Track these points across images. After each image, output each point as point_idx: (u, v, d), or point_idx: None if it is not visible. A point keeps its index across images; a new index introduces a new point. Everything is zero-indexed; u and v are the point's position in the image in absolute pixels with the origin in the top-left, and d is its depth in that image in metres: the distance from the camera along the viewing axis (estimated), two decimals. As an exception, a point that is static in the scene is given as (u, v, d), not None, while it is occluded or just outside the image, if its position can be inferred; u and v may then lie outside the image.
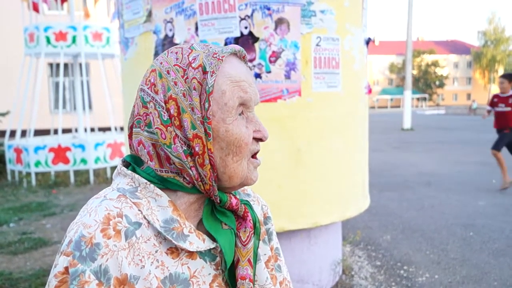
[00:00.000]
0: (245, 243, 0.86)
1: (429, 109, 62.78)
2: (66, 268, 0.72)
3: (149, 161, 0.83)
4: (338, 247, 3.85)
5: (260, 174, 3.05)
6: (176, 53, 0.83)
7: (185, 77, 0.80)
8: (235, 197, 0.87)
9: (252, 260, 0.86)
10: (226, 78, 0.81)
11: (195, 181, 0.81)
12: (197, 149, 0.79)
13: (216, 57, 0.81)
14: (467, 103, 62.78)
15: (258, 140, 0.86)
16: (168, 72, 0.81)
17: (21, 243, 5.04)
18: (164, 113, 0.80)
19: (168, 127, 0.80)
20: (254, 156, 0.87)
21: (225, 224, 0.86)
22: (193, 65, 0.80)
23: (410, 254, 4.53)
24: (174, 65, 0.81)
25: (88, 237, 0.73)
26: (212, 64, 0.80)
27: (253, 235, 0.87)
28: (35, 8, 9.50)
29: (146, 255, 0.77)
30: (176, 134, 0.80)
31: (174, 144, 0.79)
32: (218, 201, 0.84)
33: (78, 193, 7.89)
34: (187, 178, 0.82)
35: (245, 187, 1.05)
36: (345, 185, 3.30)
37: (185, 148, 0.80)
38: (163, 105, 0.80)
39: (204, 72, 0.79)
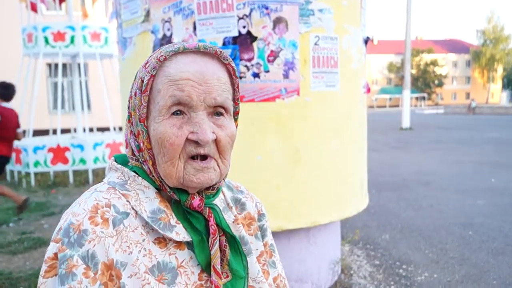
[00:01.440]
0: (210, 248, 0.85)
1: (428, 108, 62.83)
2: (55, 254, 0.75)
3: (126, 148, 0.89)
4: (337, 247, 3.85)
5: (258, 174, 3.03)
6: (151, 54, 0.87)
7: (139, 77, 0.84)
8: (201, 199, 0.85)
9: (217, 267, 0.84)
10: (165, 77, 0.80)
11: (150, 176, 0.85)
12: (141, 145, 0.84)
13: (157, 57, 0.81)
14: (466, 102, 62.79)
15: (197, 142, 0.80)
16: (138, 73, 0.86)
17: (21, 243, 5.04)
18: (127, 109, 0.87)
19: (127, 123, 0.87)
20: (200, 158, 0.82)
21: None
22: (146, 65, 0.83)
23: (409, 253, 4.54)
24: (141, 66, 0.86)
25: (77, 224, 0.76)
26: (151, 64, 0.82)
27: (216, 241, 0.85)
28: (33, 8, 9.49)
29: (134, 243, 0.79)
30: (131, 130, 0.86)
31: (130, 138, 0.86)
32: (177, 199, 0.84)
33: (77, 193, 7.88)
34: (148, 173, 0.86)
35: (239, 184, 1.06)
36: (344, 184, 3.30)
37: (137, 144, 0.85)
38: (128, 103, 0.87)
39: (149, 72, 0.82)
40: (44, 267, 0.76)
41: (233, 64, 0.87)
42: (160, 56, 0.81)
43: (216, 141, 0.82)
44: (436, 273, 4.00)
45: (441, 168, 9.79)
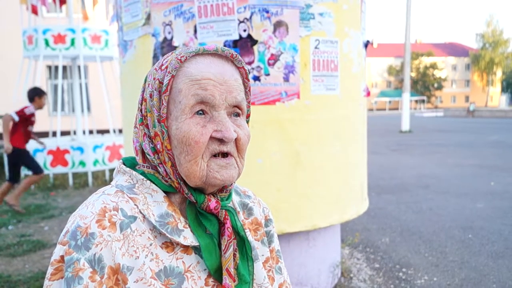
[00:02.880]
0: (224, 251, 0.85)
1: (427, 111, 62.87)
2: (62, 257, 0.75)
3: (136, 155, 0.89)
4: (336, 250, 3.85)
5: (259, 177, 3.02)
6: (164, 57, 0.87)
7: (155, 79, 0.84)
8: (217, 201, 0.86)
9: (231, 270, 0.84)
10: (185, 77, 0.81)
11: (166, 178, 0.85)
12: (158, 146, 0.83)
13: (177, 58, 0.82)
14: (465, 105, 62.90)
15: (220, 140, 0.82)
16: (149, 76, 0.86)
17: (20, 246, 5.04)
18: (139, 113, 0.87)
19: (140, 126, 0.86)
20: (222, 155, 0.84)
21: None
22: (162, 67, 0.84)
23: (409, 256, 4.54)
24: (154, 68, 0.86)
25: (84, 227, 0.76)
26: (171, 64, 0.82)
27: (231, 244, 0.86)
28: (34, 11, 9.49)
29: (141, 247, 0.79)
30: (145, 133, 0.86)
31: (144, 141, 0.86)
32: (194, 200, 0.84)
33: (77, 196, 7.88)
34: (164, 176, 0.85)
35: (246, 189, 1.06)
36: (344, 187, 3.30)
37: (152, 146, 0.84)
38: (139, 106, 0.87)
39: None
40: (50, 270, 0.76)
41: (246, 68, 0.88)
42: (181, 57, 0.82)
43: (236, 140, 0.84)
44: (435, 277, 4.00)
45: (441, 171, 9.80)
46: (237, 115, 0.86)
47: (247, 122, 0.92)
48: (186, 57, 0.82)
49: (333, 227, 3.68)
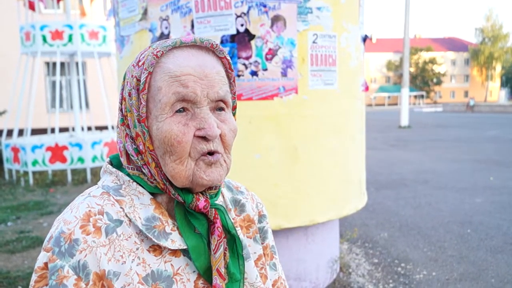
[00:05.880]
0: (214, 251, 0.82)
1: (426, 106, 62.84)
2: (46, 264, 0.73)
3: (120, 157, 0.86)
4: (335, 245, 3.85)
5: (256, 172, 3.01)
6: (141, 52, 0.83)
7: (132, 76, 0.80)
8: (206, 200, 0.83)
9: (221, 270, 0.82)
10: (164, 73, 0.77)
11: (151, 179, 0.82)
12: (140, 147, 0.80)
13: (153, 53, 0.78)
14: (464, 100, 62.87)
15: (204, 138, 0.78)
16: (128, 73, 0.83)
17: (19, 242, 5.04)
18: (120, 112, 0.83)
19: (121, 126, 0.83)
20: (210, 154, 0.80)
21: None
22: (139, 63, 0.80)
23: (407, 251, 4.54)
24: (131, 65, 0.82)
25: (68, 233, 0.74)
26: (148, 60, 0.78)
27: (221, 243, 0.83)
28: (31, 7, 9.46)
29: (127, 252, 0.77)
30: (126, 133, 0.82)
31: (126, 142, 0.82)
32: (181, 201, 0.81)
33: (76, 192, 7.87)
34: (149, 177, 0.82)
35: (239, 184, 1.04)
36: (342, 183, 3.30)
37: (135, 147, 0.81)
38: (119, 105, 0.83)
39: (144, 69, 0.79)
40: (34, 277, 0.74)
41: (228, 58, 0.85)
42: (157, 52, 0.78)
43: (221, 136, 0.80)
44: (434, 271, 4.00)
45: (440, 166, 9.80)
46: (221, 109, 0.82)
47: (234, 114, 0.89)
48: (162, 51, 0.78)
49: (332, 222, 3.68)
